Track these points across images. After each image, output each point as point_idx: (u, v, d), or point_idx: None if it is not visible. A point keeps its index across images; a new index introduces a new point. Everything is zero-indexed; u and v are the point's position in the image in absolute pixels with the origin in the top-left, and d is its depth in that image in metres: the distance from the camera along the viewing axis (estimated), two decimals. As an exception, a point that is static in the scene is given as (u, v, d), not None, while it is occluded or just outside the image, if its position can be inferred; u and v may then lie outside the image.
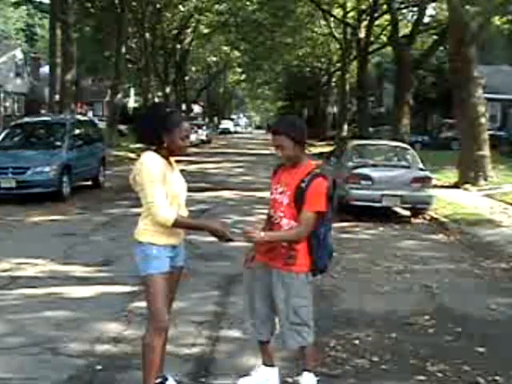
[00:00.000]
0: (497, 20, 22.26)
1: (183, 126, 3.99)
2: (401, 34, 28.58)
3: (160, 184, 3.86)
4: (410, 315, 6.36)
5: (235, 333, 5.57)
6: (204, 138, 45.47)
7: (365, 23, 35.51)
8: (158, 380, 4.16)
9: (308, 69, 58.87)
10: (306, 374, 4.30)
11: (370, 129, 35.89)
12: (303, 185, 3.95)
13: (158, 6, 42.39)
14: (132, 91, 67.72)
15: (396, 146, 14.85)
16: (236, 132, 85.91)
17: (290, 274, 4.06)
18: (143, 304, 6.12)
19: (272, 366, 4.48)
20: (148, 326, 4.09)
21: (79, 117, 19.27)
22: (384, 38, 36.89)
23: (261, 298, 4.25)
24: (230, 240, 3.95)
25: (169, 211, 3.87)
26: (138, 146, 32.13)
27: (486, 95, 19.59)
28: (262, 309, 4.26)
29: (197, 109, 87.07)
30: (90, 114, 53.60)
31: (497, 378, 4.86)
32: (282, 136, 3.97)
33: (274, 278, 4.12)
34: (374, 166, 13.10)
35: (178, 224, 3.90)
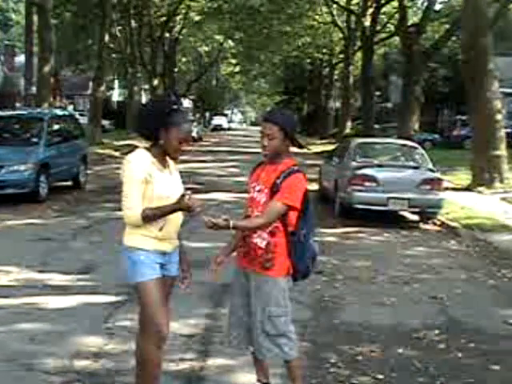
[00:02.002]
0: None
1: (183, 128, 4.02)
2: (409, 22, 28.67)
3: (138, 186, 3.91)
4: (419, 329, 6.37)
5: (227, 347, 5.56)
6: (195, 134, 45.48)
7: (370, 11, 35.57)
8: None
9: (308, 60, 58.89)
10: None
11: (376, 126, 35.96)
12: (278, 181, 4.03)
13: (144, -10, 42.47)
14: (116, 83, 67.72)
15: (404, 145, 14.88)
16: (229, 129, 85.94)
17: (267, 278, 4.09)
18: (127, 315, 6.10)
19: (267, 383, 4.47)
20: (143, 338, 4.10)
21: (58, 111, 19.22)
22: (391, 27, 36.99)
23: (242, 305, 4.27)
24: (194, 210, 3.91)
25: (135, 210, 3.90)
26: (123, 143, 32.17)
27: (503, 89, 19.66)
28: (244, 316, 4.27)
29: (187, 103, 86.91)
30: (71, 108, 53.50)
31: (512, 397, 4.88)
32: (274, 126, 4.05)
33: (252, 283, 4.16)
34: (379, 166, 13.12)
35: (148, 217, 3.92)
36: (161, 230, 4.01)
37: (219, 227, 3.84)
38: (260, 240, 4.09)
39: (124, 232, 4.11)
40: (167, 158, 4.12)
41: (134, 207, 3.91)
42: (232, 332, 4.38)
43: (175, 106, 4.05)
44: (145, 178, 3.92)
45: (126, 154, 4.10)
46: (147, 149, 4.05)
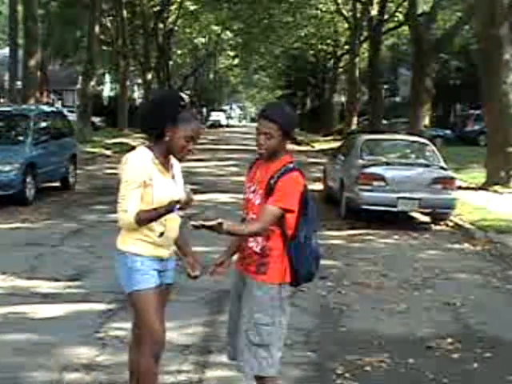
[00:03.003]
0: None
1: (192, 125, 3.98)
2: (419, 10, 28.64)
3: (136, 188, 3.89)
4: (431, 338, 6.36)
5: (227, 357, 5.56)
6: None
7: (378, -2, 35.57)
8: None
9: (311, 52, 58.95)
10: None
11: (384, 121, 35.95)
12: (272, 181, 3.96)
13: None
14: (107, 78, 67.70)
15: (414, 142, 14.87)
16: (228, 125, 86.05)
17: (258, 283, 4.03)
18: (120, 324, 6.10)
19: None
20: (141, 350, 4.10)
21: (45, 107, 19.22)
22: (400, 16, 36.99)
23: (238, 312, 4.20)
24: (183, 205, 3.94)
25: (129, 213, 3.88)
26: (115, 141, 32.16)
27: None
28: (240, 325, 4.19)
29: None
30: (59, 104, 53.56)
31: (531, 410, 4.87)
32: (273, 124, 3.97)
33: (246, 288, 4.12)
34: (388, 164, 13.12)
35: (142, 219, 3.90)
36: (161, 235, 4.02)
37: (209, 229, 3.76)
38: (255, 244, 4.05)
39: (119, 235, 4.12)
40: (171, 157, 4.10)
41: (129, 210, 3.89)
42: (230, 340, 4.36)
43: (184, 102, 4.03)
44: (144, 180, 3.90)
45: (128, 151, 4.08)
46: (149, 147, 4.02)
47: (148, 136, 4.10)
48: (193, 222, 3.72)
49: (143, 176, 3.89)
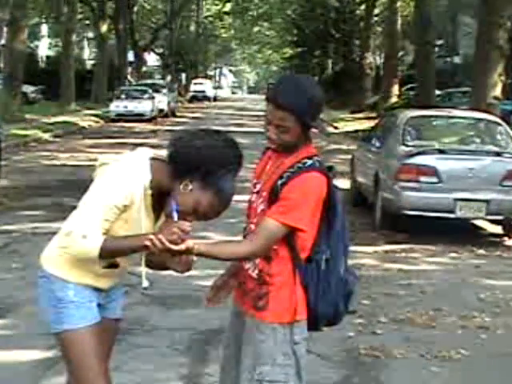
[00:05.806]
0: None
1: (217, 202, 3.88)
2: None
3: (112, 209, 3.82)
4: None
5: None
6: (164, 107, 45.44)
7: None
8: None
9: (334, -6, 59.09)
10: None
11: (437, 91, 35.95)
12: (280, 182, 3.86)
13: None
14: (45, 30, 67.75)
15: (479, 120, 14.85)
16: (216, 98, 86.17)
17: (259, 324, 3.96)
18: (63, 379, 6.12)
19: None
20: None
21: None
22: None
23: (235, 357, 4.16)
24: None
25: (92, 240, 3.77)
26: (56, 120, 32.00)
27: None
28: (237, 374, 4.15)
29: (152, 60, 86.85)
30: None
31: None
32: (288, 113, 3.81)
33: (246, 327, 4.06)
34: (441, 152, 13.09)
35: (106, 251, 3.80)
36: (110, 267, 4.02)
37: (173, 252, 3.71)
38: (252, 267, 3.99)
39: (46, 250, 4.15)
40: (170, 200, 3.95)
41: (93, 236, 3.77)
42: None
43: (236, 170, 3.92)
44: (123, 205, 3.84)
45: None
46: (153, 166, 3.92)
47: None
48: (147, 242, 3.65)
49: (126, 201, 3.84)
